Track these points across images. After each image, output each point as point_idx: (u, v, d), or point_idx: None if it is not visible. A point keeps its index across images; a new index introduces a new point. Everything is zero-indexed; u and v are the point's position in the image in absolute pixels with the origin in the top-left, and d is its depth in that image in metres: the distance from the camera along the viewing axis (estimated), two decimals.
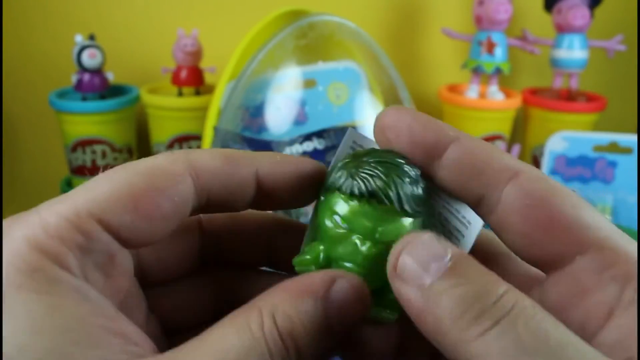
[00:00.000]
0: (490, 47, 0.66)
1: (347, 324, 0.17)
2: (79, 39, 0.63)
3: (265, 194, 0.19)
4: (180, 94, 0.66)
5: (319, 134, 0.54)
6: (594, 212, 0.17)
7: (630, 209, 0.66)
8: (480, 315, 0.14)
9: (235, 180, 0.18)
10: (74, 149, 0.64)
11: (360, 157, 0.19)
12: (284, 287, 0.17)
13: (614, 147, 0.66)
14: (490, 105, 0.67)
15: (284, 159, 0.19)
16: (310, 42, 0.54)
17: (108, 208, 0.16)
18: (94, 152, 0.64)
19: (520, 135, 0.74)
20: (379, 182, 0.18)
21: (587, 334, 0.16)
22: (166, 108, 0.65)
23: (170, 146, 0.66)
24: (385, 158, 0.19)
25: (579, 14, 0.66)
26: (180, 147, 0.66)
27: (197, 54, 0.65)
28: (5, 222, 0.16)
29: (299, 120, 0.55)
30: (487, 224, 0.19)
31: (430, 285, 0.15)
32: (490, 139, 0.68)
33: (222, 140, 0.52)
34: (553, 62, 0.70)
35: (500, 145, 0.68)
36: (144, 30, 0.74)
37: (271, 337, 0.15)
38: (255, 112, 0.53)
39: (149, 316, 0.20)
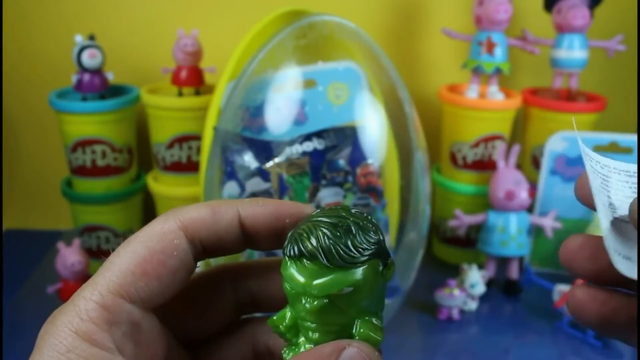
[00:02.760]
0: (490, 47, 0.66)
1: None
2: (79, 39, 0.63)
3: (251, 236, 0.22)
4: (180, 94, 0.66)
5: (319, 134, 0.54)
6: None
7: None
8: None
9: (221, 226, 0.21)
10: (74, 149, 0.64)
11: (308, 218, 0.20)
12: (297, 359, 0.19)
13: (614, 147, 0.66)
14: (490, 105, 0.67)
15: (265, 202, 0.22)
16: (310, 42, 0.54)
17: (123, 281, 0.19)
18: (94, 152, 0.64)
19: (520, 135, 0.74)
20: (306, 242, 0.19)
21: None
22: (166, 108, 0.65)
23: (170, 146, 0.66)
24: (322, 216, 0.20)
25: (579, 14, 0.66)
26: (180, 147, 0.66)
27: (197, 54, 0.65)
28: (52, 315, 0.19)
29: (299, 120, 0.55)
30: None
31: None
32: (490, 139, 0.68)
33: (222, 140, 0.52)
34: (553, 62, 0.70)
35: (500, 145, 0.68)
36: (144, 30, 0.74)
37: None
38: (255, 112, 0.53)
39: None
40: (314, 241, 0.19)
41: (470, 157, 0.69)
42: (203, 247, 0.21)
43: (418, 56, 0.78)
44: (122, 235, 0.68)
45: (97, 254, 0.67)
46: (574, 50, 0.68)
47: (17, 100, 0.75)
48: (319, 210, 0.21)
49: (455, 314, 0.61)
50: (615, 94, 0.76)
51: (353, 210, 0.20)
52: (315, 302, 0.19)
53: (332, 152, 0.54)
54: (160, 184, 0.68)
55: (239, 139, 0.52)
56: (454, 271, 0.66)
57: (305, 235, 0.19)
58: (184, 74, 0.65)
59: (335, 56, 0.57)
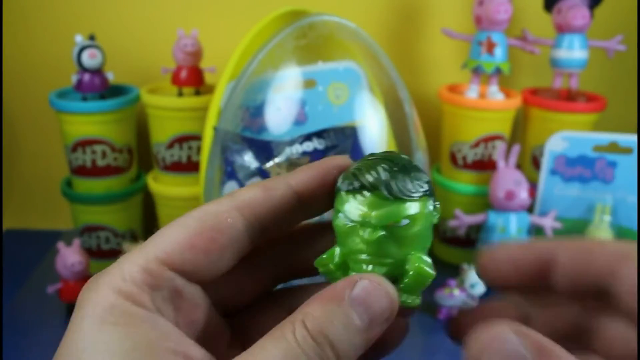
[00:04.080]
0: (490, 47, 0.66)
1: (377, 320, 0.19)
2: (79, 39, 0.63)
3: (305, 200, 0.22)
4: (180, 94, 0.66)
5: (319, 134, 0.54)
6: None
7: (630, 209, 0.66)
8: None
9: (275, 199, 0.22)
10: (74, 149, 0.64)
11: (362, 159, 0.21)
12: (313, 298, 0.19)
13: (613, 147, 0.66)
14: (490, 105, 0.67)
15: (308, 165, 0.22)
16: (310, 42, 0.54)
17: (170, 251, 0.20)
18: (94, 152, 0.64)
19: (520, 135, 0.74)
20: (367, 175, 0.20)
21: None
22: (166, 108, 0.65)
23: (170, 146, 0.66)
24: (377, 155, 0.21)
25: (579, 14, 0.66)
26: (180, 148, 0.66)
27: (197, 54, 0.65)
28: (95, 276, 0.19)
29: (299, 120, 0.55)
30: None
31: None
32: (490, 139, 0.68)
33: (222, 140, 0.52)
34: (553, 62, 0.70)
35: (500, 145, 0.68)
36: (144, 30, 0.74)
37: (303, 340, 0.18)
38: (255, 112, 0.53)
39: (232, 344, 0.23)
40: (374, 174, 0.20)
41: (470, 157, 0.69)
42: (260, 226, 0.22)
43: (418, 56, 0.78)
44: (122, 235, 0.68)
45: (97, 254, 0.67)
46: (574, 50, 0.68)
47: (17, 100, 0.75)
48: (369, 154, 0.22)
49: (455, 314, 0.61)
50: (615, 94, 0.76)
51: (402, 155, 0.21)
52: (374, 232, 0.20)
53: (332, 152, 0.54)
54: (160, 184, 0.68)
55: (239, 139, 0.52)
56: (454, 271, 0.66)
57: (364, 170, 0.20)
58: (184, 74, 0.65)
59: (335, 56, 0.57)
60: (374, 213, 0.20)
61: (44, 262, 0.70)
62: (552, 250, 0.21)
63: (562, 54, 0.69)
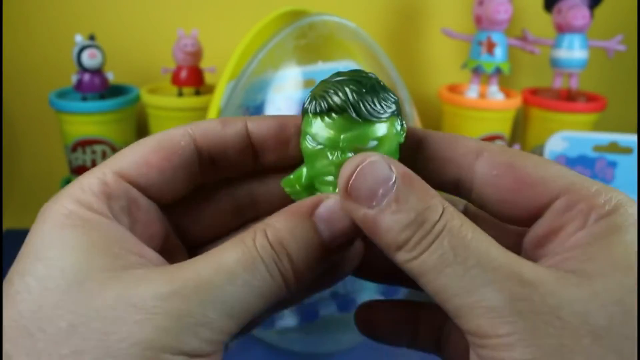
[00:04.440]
0: (490, 47, 0.66)
1: (338, 239, 0.19)
2: (79, 39, 0.63)
3: (257, 146, 0.22)
4: (180, 94, 0.66)
5: None
6: (556, 165, 0.20)
7: None
8: (418, 242, 0.17)
9: (229, 135, 0.22)
10: (74, 149, 0.64)
11: (326, 79, 0.21)
12: (279, 211, 0.19)
13: (614, 147, 0.66)
14: (490, 105, 0.67)
15: (271, 115, 0.23)
16: (310, 42, 0.54)
17: (126, 165, 0.21)
18: (94, 152, 0.64)
19: (520, 135, 0.74)
20: (334, 97, 0.20)
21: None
22: (166, 108, 0.65)
23: None
24: (344, 75, 0.21)
25: (579, 14, 0.66)
26: None
27: (197, 54, 0.65)
28: (58, 193, 0.20)
29: None
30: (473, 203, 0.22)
31: (378, 210, 0.18)
32: (490, 138, 0.68)
33: None
34: (553, 62, 0.70)
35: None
36: (144, 30, 0.74)
37: (262, 247, 0.18)
38: (255, 112, 0.53)
39: None
40: (342, 95, 0.20)
41: None
42: (210, 157, 0.22)
43: (418, 56, 0.78)
44: None
45: None
46: (574, 50, 0.68)
47: (17, 100, 0.75)
48: (336, 73, 0.21)
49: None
50: (615, 94, 0.76)
51: (370, 73, 0.21)
52: (342, 155, 0.20)
53: None
54: None
55: None
56: None
57: (332, 91, 0.20)
58: (184, 74, 0.65)
59: (335, 56, 0.57)
60: (342, 136, 0.20)
61: None
62: (417, 138, 0.22)
63: (562, 54, 0.69)
